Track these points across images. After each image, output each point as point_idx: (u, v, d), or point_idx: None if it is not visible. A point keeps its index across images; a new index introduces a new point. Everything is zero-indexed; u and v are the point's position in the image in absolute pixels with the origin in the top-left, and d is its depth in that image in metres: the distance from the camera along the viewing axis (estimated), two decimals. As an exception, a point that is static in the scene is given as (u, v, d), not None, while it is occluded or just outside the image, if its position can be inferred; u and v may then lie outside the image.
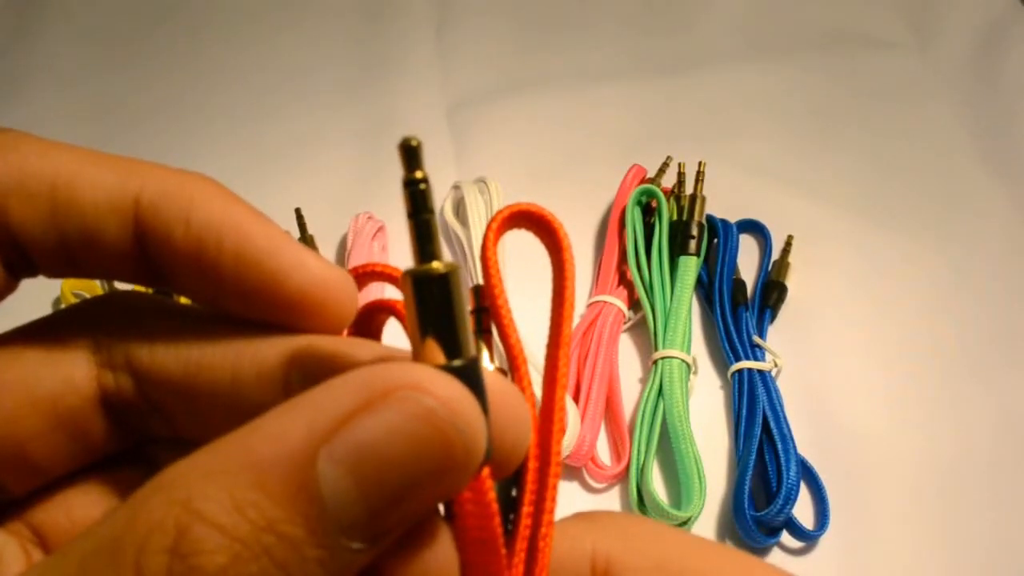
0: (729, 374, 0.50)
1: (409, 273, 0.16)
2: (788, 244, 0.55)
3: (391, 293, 0.52)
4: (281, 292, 0.19)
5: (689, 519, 0.44)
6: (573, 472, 0.48)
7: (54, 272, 0.20)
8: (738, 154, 0.61)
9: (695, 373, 0.50)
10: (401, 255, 0.56)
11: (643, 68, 0.67)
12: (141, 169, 0.19)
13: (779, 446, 0.45)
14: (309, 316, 0.19)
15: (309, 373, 0.18)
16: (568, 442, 0.46)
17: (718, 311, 0.52)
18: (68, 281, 0.51)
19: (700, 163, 0.54)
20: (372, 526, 0.15)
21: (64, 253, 0.19)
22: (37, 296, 0.48)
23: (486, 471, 0.16)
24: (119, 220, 0.19)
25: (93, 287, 0.52)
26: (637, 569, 0.19)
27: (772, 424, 0.46)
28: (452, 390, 0.15)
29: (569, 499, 0.47)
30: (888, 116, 0.64)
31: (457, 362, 0.16)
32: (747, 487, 0.45)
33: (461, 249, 0.55)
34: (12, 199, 0.18)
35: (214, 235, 0.18)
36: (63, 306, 0.48)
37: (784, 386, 0.49)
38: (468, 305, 0.16)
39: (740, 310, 0.52)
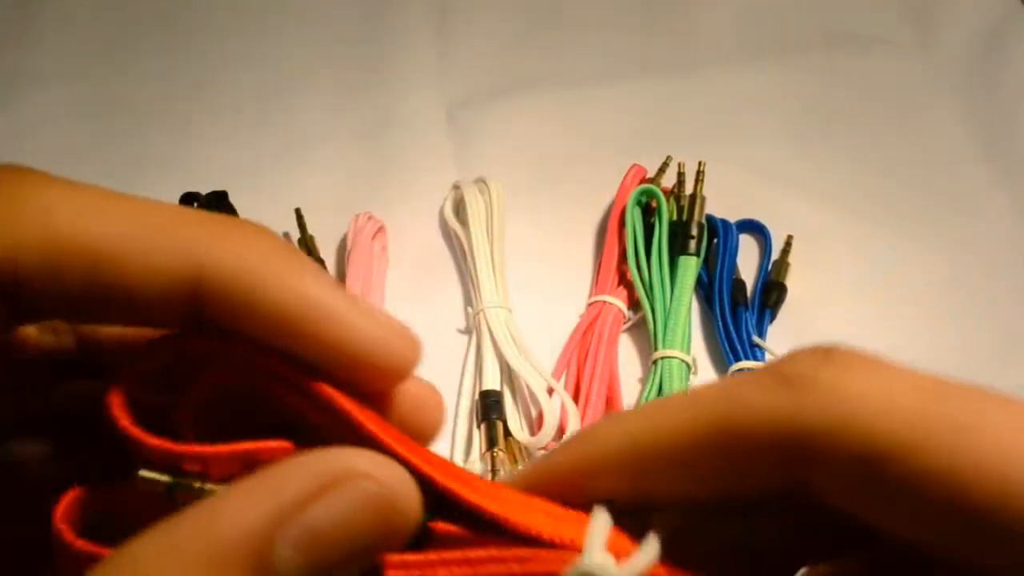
0: (729, 374, 0.50)
1: None
2: (788, 244, 0.55)
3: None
4: (348, 362, 0.18)
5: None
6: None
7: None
8: (738, 154, 0.60)
9: (695, 373, 0.50)
10: (401, 254, 0.56)
11: (643, 68, 0.67)
12: (199, 243, 0.17)
13: (779, 446, 0.45)
14: (372, 378, 0.18)
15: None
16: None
17: (718, 311, 0.52)
18: None
19: (700, 163, 0.54)
20: None
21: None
22: None
23: None
24: (171, 307, 0.18)
25: None
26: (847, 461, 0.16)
27: (772, 424, 0.46)
28: (393, 475, 0.17)
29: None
30: (888, 116, 0.64)
31: None
32: (747, 487, 0.45)
33: (461, 249, 0.55)
34: (33, 274, 0.16)
35: (283, 322, 0.17)
36: None
37: (784, 386, 0.49)
38: None
39: (740, 310, 0.52)
